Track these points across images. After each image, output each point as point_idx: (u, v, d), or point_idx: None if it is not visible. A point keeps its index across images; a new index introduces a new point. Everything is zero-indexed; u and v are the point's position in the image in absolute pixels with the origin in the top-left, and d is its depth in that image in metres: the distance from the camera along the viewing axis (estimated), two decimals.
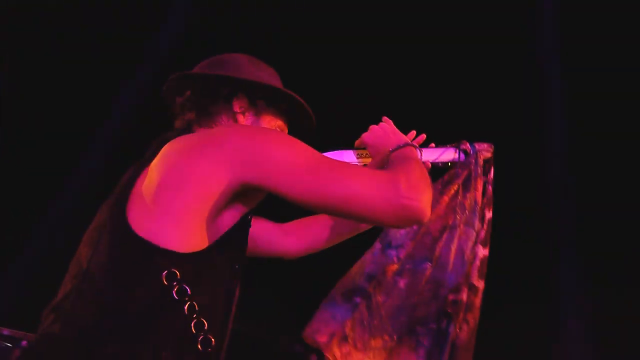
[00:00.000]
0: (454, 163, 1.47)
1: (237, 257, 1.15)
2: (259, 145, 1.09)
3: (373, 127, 1.43)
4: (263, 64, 1.37)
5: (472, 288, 1.40)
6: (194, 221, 1.05)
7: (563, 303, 3.67)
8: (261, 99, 1.31)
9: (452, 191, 1.46)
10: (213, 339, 1.05)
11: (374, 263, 1.47)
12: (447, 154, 1.48)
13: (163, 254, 1.02)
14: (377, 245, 1.49)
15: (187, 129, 1.26)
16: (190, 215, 1.05)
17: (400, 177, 1.11)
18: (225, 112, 1.28)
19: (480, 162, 1.47)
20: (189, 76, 1.31)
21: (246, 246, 1.19)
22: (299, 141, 1.14)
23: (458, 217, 1.44)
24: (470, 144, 1.47)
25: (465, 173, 1.46)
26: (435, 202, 1.40)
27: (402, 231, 1.47)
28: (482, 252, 1.44)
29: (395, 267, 1.46)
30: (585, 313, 3.60)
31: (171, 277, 1.02)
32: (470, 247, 1.42)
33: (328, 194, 1.08)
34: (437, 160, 1.47)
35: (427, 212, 1.11)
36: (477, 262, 1.42)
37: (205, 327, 1.04)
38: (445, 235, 1.45)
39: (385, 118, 1.46)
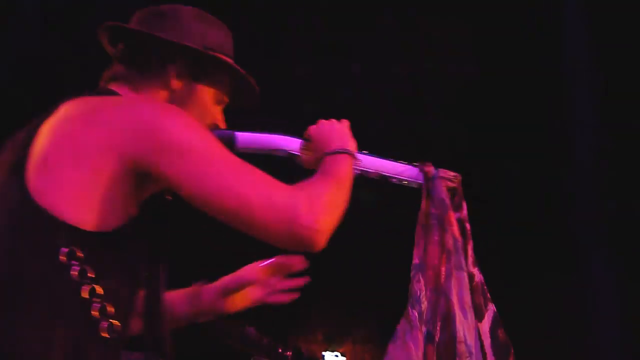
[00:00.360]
0: (410, 182, 1.42)
1: (153, 244, 1.10)
2: (159, 122, 1.03)
3: (321, 121, 1.33)
4: (214, 21, 1.26)
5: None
6: (98, 198, 0.98)
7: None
8: (200, 65, 1.21)
9: (436, 237, 1.40)
10: (119, 326, 1.00)
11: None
12: (406, 172, 1.42)
13: (64, 228, 0.95)
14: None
15: (102, 89, 1.17)
16: (92, 191, 0.98)
17: (304, 195, 1.03)
18: (157, 73, 1.19)
19: (443, 189, 1.40)
20: (122, 30, 1.21)
21: (164, 233, 1.13)
22: (208, 131, 1.08)
23: (449, 261, 1.37)
24: (435, 169, 1.42)
25: (437, 212, 1.40)
26: (425, 252, 1.37)
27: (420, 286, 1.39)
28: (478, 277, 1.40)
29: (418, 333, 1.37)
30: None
31: (71, 255, 0.95)
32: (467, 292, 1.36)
33: (214, 192, 1.00)
34: (392, 175, 1.41)
35: (321, 241, 1.03)
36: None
37: (110, 313, 0.98)
38: (445, 287, 1.37)
39: (344, 119, 1.36)
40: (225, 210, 1.01)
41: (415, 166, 1.42)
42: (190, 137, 1.03)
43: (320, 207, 1.03)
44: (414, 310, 1.35)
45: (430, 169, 1.41)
